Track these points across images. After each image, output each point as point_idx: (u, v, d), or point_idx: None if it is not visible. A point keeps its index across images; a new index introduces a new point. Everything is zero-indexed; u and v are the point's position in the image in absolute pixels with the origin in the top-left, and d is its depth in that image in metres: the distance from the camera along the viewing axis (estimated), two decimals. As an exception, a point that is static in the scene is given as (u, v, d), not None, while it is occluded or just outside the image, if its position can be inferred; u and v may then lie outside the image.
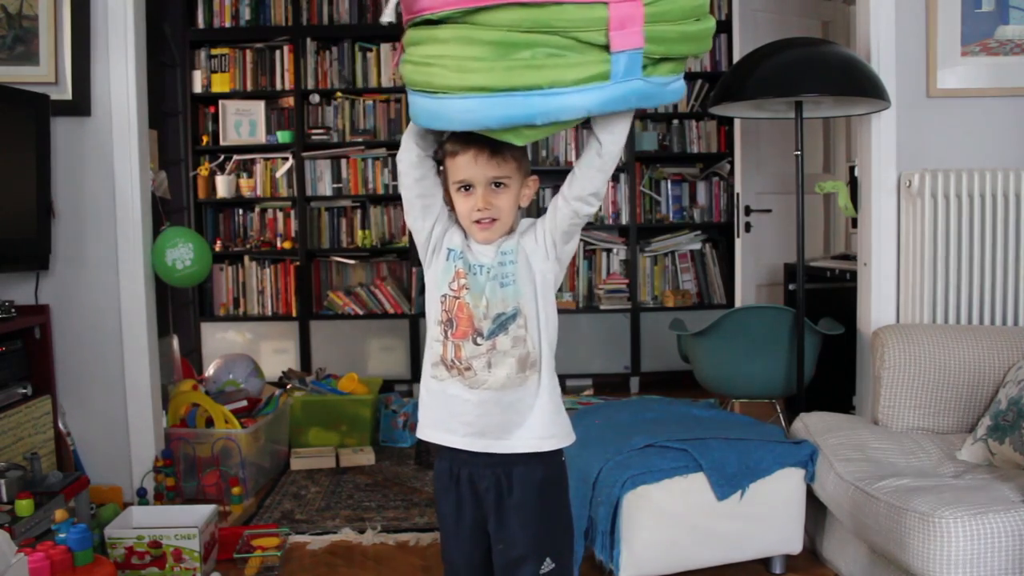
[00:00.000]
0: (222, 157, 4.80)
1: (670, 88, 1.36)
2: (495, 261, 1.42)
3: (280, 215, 4.84)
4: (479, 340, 1.40)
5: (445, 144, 1.42)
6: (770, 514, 2.20)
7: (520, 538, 1.44)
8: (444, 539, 1.53)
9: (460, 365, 1.41)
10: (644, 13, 1.24)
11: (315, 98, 4.75)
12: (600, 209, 4.79)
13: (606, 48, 1.25)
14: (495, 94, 1.25)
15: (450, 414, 1.43)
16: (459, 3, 1.22)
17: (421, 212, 1.45)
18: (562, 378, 5.32)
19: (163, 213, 3.14)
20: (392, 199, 4.79)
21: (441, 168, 1.46)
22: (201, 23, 4.70)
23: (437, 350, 1.44)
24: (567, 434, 1.48)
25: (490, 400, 1.40)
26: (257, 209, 4.85)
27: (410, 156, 1.42)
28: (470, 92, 1.25)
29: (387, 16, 1.33)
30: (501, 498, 1.44)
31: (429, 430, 1.48)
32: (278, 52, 4.72)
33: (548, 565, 1.45)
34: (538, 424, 1.43)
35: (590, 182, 1.39)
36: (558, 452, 1.48)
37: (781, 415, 3.11)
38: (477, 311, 1.40)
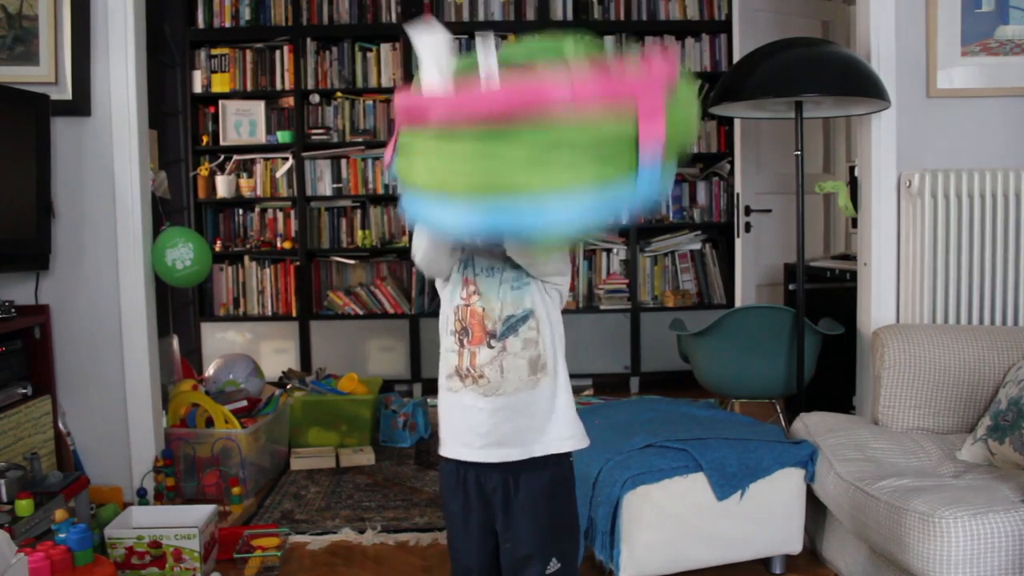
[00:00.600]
0: (222, 157, 4.80)
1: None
2: (507, 264, 1.42)
3: (280, 215, 4.84)
4: (492, 343, 1.41)
5: None
6: (770, 514, 2.20)
7: (527, 538, 1.44)
8: (452, 539, 1.54)
9: (474, 373, 1.41)
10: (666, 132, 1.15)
11: (315, 98, 4.75)
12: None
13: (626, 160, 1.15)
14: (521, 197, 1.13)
15: (467, 426, 1.43)
16: (479, 123, 1.09)
17: (442, 282, 1.49)
18: (562, 378, 5.10)
19: (163, 213, 3.14)
20: (392, 199, 4.78)
21: None
22: (201, 23, 4.70)
23: (452, 361, 1.44)
24: (582, 436, 1.49)
25: (504, 407, 1.40)
26: (257, 209, 4.85)
27: (439, 265, 1.45)
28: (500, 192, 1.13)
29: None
30: (508, 498, 1.44)
31: (448, 446, 1.48)
32: (278, 52, 4.72)
33: (554, 565, 1.45)
34: (555, 427, 1.44)
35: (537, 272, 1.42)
36: (567, 454, 1.48)
37: (781, 415, 3.11)
38: (492, 313, 1.41)
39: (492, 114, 1.09)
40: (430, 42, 1.18)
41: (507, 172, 1.11)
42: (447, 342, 1.45)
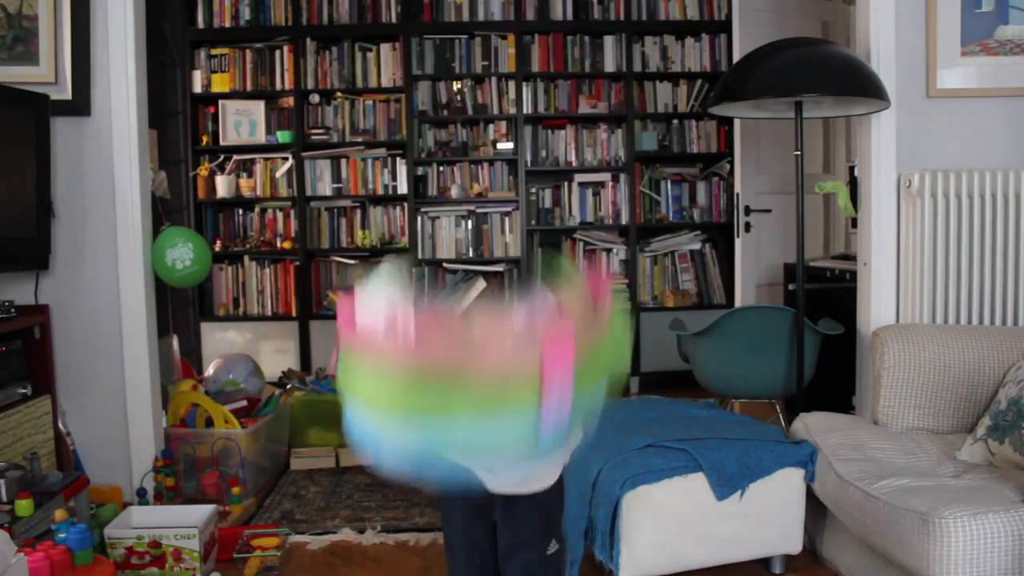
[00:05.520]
0: (222, 157, 4.80)
1: None
2: None
3: (280, 215, 4.84)
4: None
5: None
6: (770, 514, 2.20)
7: (531, 521, 1.45)
8: (450, 539, 1.53)
9: None
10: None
11: (315, 98, 4.75)
12: (600, 209, 4.79)
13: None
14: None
15: None
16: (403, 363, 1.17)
17: None
18: (562, 378, 5.11)
19: (163, 213, 3.14)
20: (392, 199, 4.78)
21: None
22: (201, 23, 4.70)
23: None
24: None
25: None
26: (257, 209, 4.85)
27: None
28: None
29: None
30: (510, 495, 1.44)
31: None
32: (278, 52, 4.72)
33: (554, 546, 1.47)
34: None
35: None
36: None
37: (781, 415, 3.11)
38: None
39: (417, 361, 1.17)
40: (386, 278, 1.24)
41: (439, 400, 1.16)
42: None
